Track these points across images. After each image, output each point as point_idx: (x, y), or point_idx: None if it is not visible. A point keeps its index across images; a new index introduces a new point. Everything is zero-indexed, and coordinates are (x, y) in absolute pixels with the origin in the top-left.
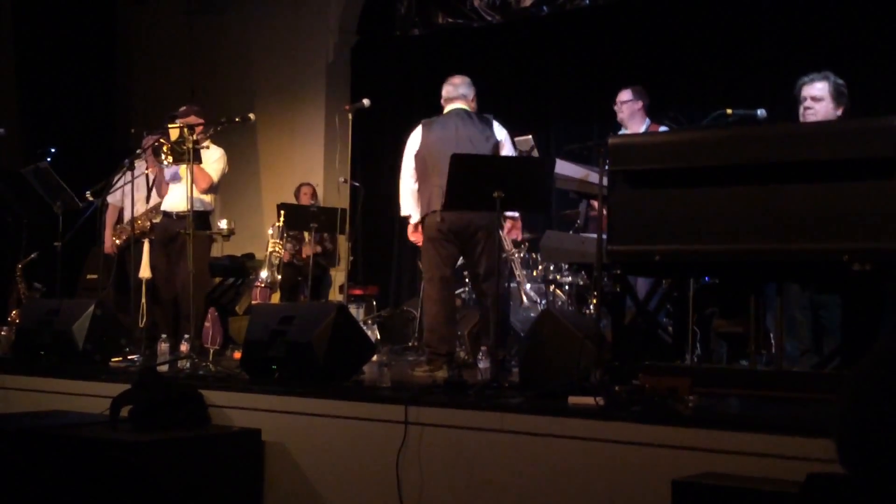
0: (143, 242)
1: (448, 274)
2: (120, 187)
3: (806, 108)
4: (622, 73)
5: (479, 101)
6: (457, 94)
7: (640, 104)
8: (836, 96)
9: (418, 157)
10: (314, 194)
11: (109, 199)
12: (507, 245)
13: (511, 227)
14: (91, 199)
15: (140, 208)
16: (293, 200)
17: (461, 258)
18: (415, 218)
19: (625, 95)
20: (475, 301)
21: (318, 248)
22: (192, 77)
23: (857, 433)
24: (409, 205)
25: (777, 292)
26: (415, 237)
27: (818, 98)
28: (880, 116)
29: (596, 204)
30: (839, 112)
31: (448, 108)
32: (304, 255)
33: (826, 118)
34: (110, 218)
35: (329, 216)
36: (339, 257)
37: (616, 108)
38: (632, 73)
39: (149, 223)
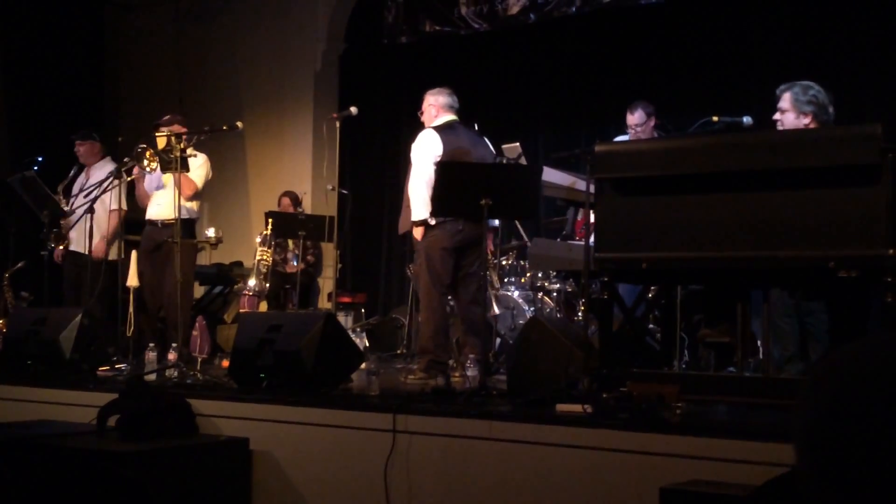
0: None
1: (450, 283)
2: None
3: (776, 119)
4: (609, 80)
5: (466, 108)
6: (456, 105)
7: (652, 122)
8: (799, 106)
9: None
10: (293, 203)
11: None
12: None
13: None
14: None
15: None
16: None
17: None
18: (432, 222)
19: (637, 118)
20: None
21: (302, 265)
22: (180, 85)
23: (831, 443)
24: (429, 210)
25: (763, 299)
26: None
27: (783, 109)
28: (864, 123)
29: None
30: (806, 121)
31: (448, 117)
32: (288, 271)
33: (792, 128)
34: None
35: (317, 224)
36: (323, 265)
37: (630, 131)
38: (619, 81)
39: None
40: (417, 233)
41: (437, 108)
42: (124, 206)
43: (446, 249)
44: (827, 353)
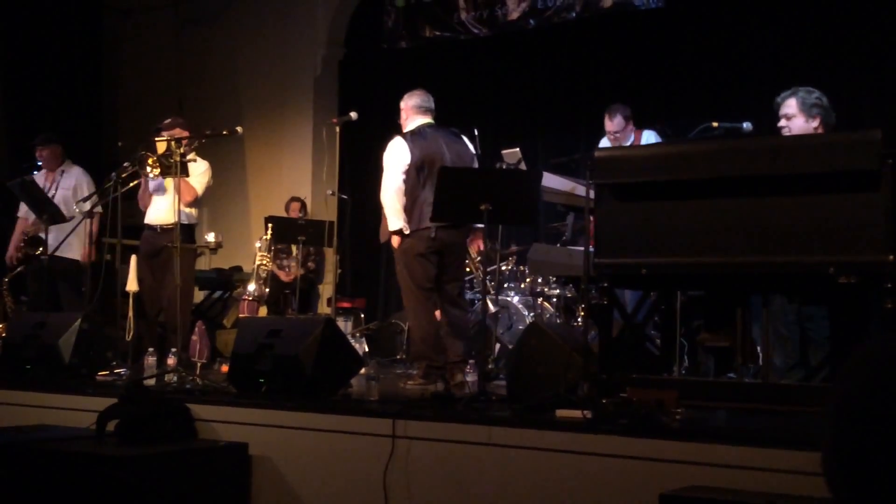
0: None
1: (432, 287)
2: (105, 199)
3: (781, 127)
4: (609, 85)
5: (466, 113)
6: (430, 106)
7: (631, 124)
8: (806, 110)
9: (409, 171)
10: (302, 208)
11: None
12: (474, 257)
13: (474, 239)
14: (77, 211)
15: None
16: (281, 213)
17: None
18: (406, 231)
19: (616, 125)
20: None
21: (302, 271)
22: (179, 90)
23: (848, 457)
24: (403, 219)
25: (763, 304)
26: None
27: (790, 115)
28: (864, 129)
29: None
30: (815, 124)
31: (421, 120)
32: (289, 279)
33: (801, 133)
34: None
35: (317, 229)
36: (324, 272)
37: (609, 137)
38: (619, 86)
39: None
40: (394, 241)
41: (408, 111)
42: (100, 209)
43: (423, 255)
44: (862, 343)
